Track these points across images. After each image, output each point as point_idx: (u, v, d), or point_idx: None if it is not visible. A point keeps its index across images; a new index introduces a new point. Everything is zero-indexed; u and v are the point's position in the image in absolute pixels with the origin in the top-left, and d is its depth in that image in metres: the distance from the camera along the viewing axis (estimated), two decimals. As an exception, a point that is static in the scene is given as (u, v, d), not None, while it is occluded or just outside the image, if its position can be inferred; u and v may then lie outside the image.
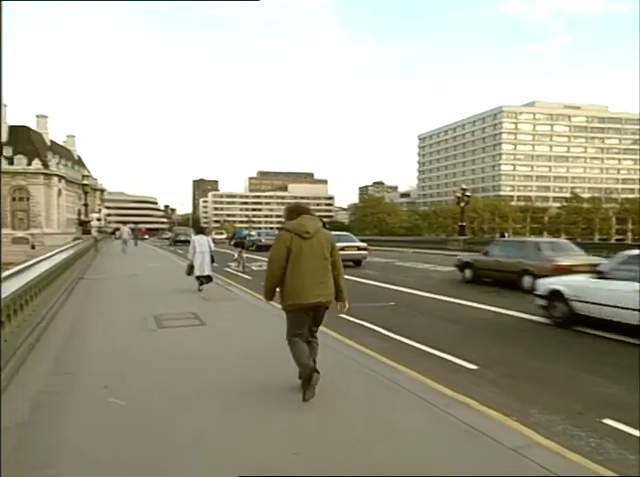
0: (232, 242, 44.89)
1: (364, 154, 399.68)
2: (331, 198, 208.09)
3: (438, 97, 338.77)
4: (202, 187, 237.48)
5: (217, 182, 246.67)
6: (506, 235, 61.51)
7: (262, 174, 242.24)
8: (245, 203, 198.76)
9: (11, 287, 5.90)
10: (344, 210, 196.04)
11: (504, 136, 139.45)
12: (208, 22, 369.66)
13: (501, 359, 6.99)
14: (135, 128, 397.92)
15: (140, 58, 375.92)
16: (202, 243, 12.68)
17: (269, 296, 4.99)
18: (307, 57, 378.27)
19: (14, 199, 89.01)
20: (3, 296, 5.36)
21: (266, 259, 5.14)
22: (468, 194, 41.42)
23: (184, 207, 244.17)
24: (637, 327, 7.62)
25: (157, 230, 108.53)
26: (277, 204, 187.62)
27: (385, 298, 12.60)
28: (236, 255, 21.84)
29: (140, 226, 78.52)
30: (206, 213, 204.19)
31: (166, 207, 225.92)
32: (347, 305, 5.12)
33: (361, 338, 7.72)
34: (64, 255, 12.93)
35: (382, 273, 19.05)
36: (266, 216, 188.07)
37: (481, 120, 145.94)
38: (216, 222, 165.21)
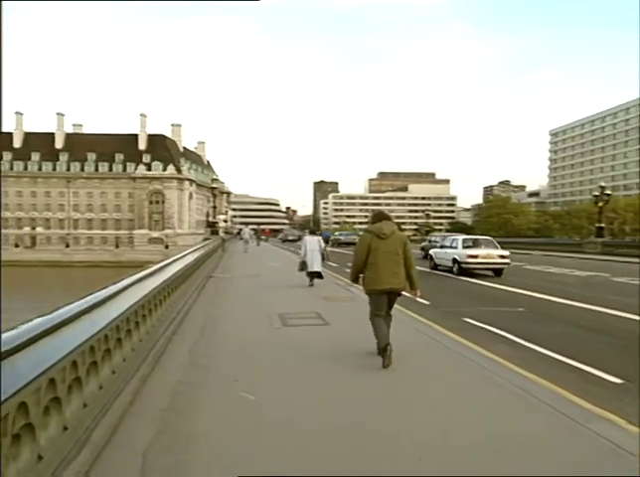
0: None
1: (488, 152, 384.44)
2: (453, 198, 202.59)
3: (570, 90, 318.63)
4: (322, 189, 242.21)
5: (337, 184, 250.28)
6: None
7: (383, 175, 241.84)
8: (365, 204, 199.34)
9: (151, 285, 6.36)
10: (467, 210, 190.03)
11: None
12: (332, 24, 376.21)
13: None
14: (260, 133, 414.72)
15: (264, 62, 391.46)
16: (312, 243, 14.20)
17: (353, 280, 6.54)
18: (427, 55, 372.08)
19: (151, 202, 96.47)
20: (145, 293, 5.79)
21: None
22: (608, 192, 38.37)
23: (305, 208, 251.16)
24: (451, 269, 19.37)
25: (279, 230, 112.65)
26: (398, 205, 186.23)
27: (514, 303, 12.02)
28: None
29: (263, 227, 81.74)
30: (326, 214, 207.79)
31: (288, 208, 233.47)
32: (418, 292, 6.39)
33: (489, 345, 7.40)
34: (195, 255, 13.74)
35: (510, 277, 18.19)
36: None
37: (624, 111, 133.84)
38: (335, 223, 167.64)
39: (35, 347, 2.76)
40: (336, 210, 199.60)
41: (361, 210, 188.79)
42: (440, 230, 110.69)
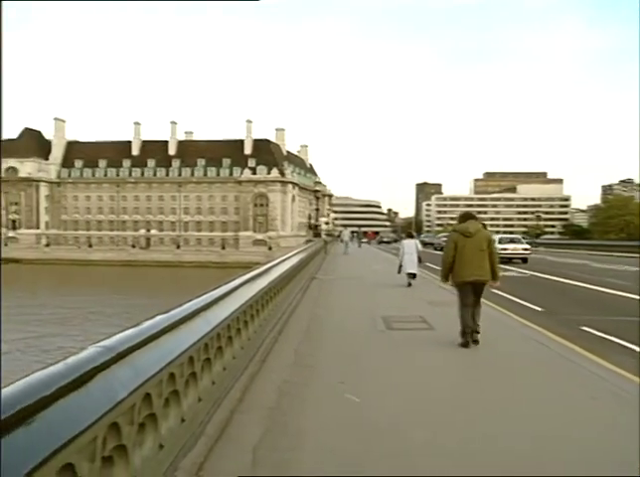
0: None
1: (607, 148, 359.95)
2: (567, 199, 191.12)
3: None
4: (425, 190, 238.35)
5: (440, 185, 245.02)
6: None
7: (489, 175, 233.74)
8: (470, 206, 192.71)
9: (259, 285, 6.56)
10: (582, 211, 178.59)
11: None
12: (436, 22, 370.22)
13: None
14: (362, 135, 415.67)
15: (366, 63, 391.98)
16: (410, 246, 15.05)
17: (444, 279, 7.35)
18: (537, 49, 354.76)
19: (255, 205, 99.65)
20: (253, 293, 5.99)
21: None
22: None
23: (407, 210, 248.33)
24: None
25: (378, 233, 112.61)
26: (505, 206, 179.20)
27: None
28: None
29: (364, 229, 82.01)
30: (429, 216, 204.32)
31: (389, 210, 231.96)
32: (497, 283, 7.27)
33: (613, 357, 6.87)
34: (299, 257, 14.01)
35: (635, 284, 16.85)
36: (492, 218, 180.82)
37: None
38: (438, 225, 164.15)
39: (157, 342, 2.92)
40: (439, 212, 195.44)
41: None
42: (552, 232, 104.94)
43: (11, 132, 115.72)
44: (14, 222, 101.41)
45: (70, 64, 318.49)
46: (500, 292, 12.19)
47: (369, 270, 20.80)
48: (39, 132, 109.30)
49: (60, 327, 32.35)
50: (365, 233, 71.39)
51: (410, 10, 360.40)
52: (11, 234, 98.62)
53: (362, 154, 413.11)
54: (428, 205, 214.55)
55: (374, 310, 10.01)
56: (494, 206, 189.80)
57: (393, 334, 7.96)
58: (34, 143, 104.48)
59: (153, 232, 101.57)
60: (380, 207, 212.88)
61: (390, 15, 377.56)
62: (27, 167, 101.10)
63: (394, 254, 35.91)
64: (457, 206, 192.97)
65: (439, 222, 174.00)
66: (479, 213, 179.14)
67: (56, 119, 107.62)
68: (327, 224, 73.21)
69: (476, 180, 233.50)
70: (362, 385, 5.23)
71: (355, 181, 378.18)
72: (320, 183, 50.66)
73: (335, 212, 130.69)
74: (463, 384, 5.41)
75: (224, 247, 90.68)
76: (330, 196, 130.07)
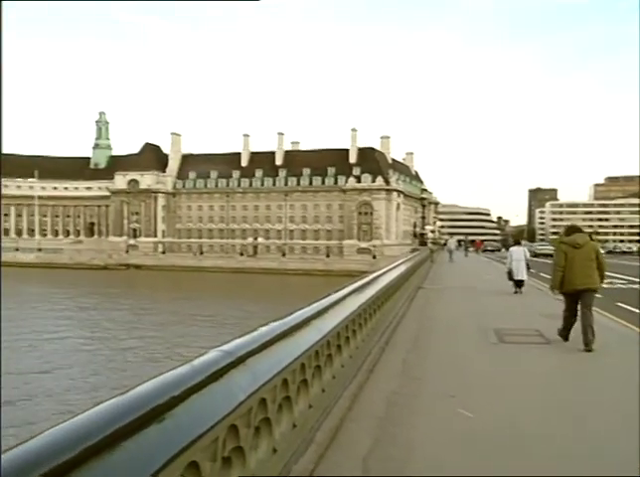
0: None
1: None
2: None
3: None
4: (538, 196, 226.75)
5: (555, 191, 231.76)
6: None
7: (611, 179, 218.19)
8: (589, 212, 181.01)
9: (367, 294, 6.55)
10: None
11: None
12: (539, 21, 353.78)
13: None
14: (469, 140, 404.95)
15: (469, 68, 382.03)
16: (518, 253, 15.12)
17: (556, 289, 7.77)
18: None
19: (360, 213, 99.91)
20: (362, 302, 5.99)
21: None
22: None
23: (518, 218, 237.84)
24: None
25: (490, 241, 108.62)
26: (630, 213, 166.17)
27: None
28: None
29: (472, 237, 79.61)
30: (542, 224, 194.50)
31: (499, 218, 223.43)
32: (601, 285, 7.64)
33: None
34: (406, 266, 13.85)
35: None
36: (615, 226, 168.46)
37: None
38: (553, 233, 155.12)
39: (271, 349, 3.00)
40: (554, 219, 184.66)
41: (584, 219, 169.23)
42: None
43: (134, 147, 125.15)
44: (135, 230, 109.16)
45: (187, 81, 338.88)
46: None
47: (477, 280, 20.15)
48: (158, 147, 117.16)
49: (181, 330, 34.31)
50: (472, 241, 69.19)
51: (516, 12, 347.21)
52: (132, 241, 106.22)
53: (469, 160, 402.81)
54: (542, 212, 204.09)
55: (484, 321, 9.67)
56: (617, 212, 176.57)
57: (506, 347, 7.63)
58: (153, 157, 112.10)
59: (260, 240, 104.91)
60: (488, 214, 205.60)
61: (494, 17, 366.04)
62: (147, 179, 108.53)
63: (504, 263, 34.58)
64: (575, 213, 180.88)
65: (554, 230, 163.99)
66: (600, 220, 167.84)
67: (172, 134, 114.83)
68: (433, 232, 71.79)
69: (596, 185, 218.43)
70: (474, 399, 5.05)
71: (462, 188, 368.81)
72: (426, 190, 49.92)
73: (441, 220, 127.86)
74: (583, 403, 5.06)
75: (328, 256, 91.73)
76: (436, 203, 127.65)
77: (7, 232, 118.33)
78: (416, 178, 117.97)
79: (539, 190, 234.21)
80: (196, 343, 29.14)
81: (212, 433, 2.01)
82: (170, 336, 31.98)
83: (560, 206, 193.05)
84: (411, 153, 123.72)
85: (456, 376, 5.96)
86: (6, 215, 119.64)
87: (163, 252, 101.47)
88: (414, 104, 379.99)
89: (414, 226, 64.01)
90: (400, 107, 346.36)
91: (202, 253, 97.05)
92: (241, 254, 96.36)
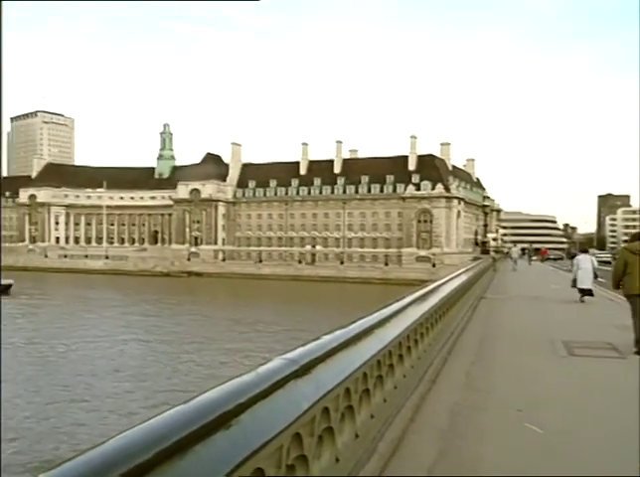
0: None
1: None
2: None
3: None
4: (609, 203, 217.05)
5: (628, 197, 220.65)
6: None
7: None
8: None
9: (429, 303, 6.45)
10: None
11: None
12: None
13: None
14: (532, 145, 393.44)
15: (531, 73, 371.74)
16: (585, 261, 15.01)
17: (615, 287, 8.47)
18: None
19: (419, 221, 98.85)
20: (423, 311, 5.90)
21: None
22: None
23: (587, 225, 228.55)
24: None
25: (556, 250, 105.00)
26: None
27: None
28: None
29: (536, 245, 77.20)
30: (614, 231, 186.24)
31: (565, 226, 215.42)
32: None
33: None
34: (467, 275, 13.57)
35: None
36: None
37: None
38: (625, 241, 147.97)
39: (335, 357, 2.99)
40: (627, 226, 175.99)
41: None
42: None
43: (196, 157, 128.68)
44: (196, 238, 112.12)
45: (247, 92, 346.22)
46: None
47: (543, 289, 19.47)
48: (219, 157, 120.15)
49: (242, 336, 34.91)
50: (537, 249, 67.00)
51: (580, 12, 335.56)
52: (193, 249, 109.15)
53: (534, 166, 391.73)
54: (613, 219, 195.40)
55: (552, 333, 9.31)
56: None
57: (576, 360, 7.31)
58: (214, 167, 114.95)
59: (318, 248, 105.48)
60: (554, 222, 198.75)
61: (558, 18, 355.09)
62: (208, 189, 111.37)
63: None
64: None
65: (626, 238, 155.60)
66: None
67: (233, 144, 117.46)
68: (495, 240, 70.14)
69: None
70: (543, 415, 4.85)
71: (526, 195, 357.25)
72: (488, 197, 48.76)
73: (504, 228, 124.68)
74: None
75: (387, 264, 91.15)
76: (498, 211, 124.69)
77: (77, 240, 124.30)
78: (478, 185, 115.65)
79: (609, 196, 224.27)
80: (258, 350, 29.61)
81: (276, 441, 2.02)
82: (232, 343, 32.58)
83: (634, 213, 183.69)
84: (473, 159, 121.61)
85: (523, 389, 5.76)
86: (77, 224, 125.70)
87: (223, 260, 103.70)
88: (475, 110, 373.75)
89: (476, 234, 62.71)
90: (460, 113, 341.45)
91: (261, 261, 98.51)
92: (300, 262, 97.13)
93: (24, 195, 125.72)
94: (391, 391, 4.24)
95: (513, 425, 4.57)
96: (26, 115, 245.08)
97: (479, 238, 46.99)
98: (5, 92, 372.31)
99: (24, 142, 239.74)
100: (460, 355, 7.51)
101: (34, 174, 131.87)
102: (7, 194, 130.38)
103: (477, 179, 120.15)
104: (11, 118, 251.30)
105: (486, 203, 45.07)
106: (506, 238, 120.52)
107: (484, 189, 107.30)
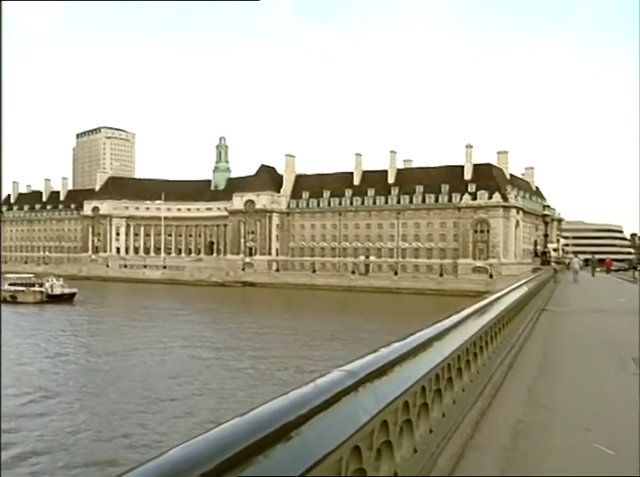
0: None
1: None
2: None
3: None
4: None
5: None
6: None
7: None
8: None
9: (489, 315, 6.28)
10: None
11: None
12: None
13: None
14: (594, 152, 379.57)
15: (589, 80, 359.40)
16: None
17: None
18: None
19: (475, 231, 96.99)
20: (483, 323, 5.74)
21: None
22: None
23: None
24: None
25: (622, 260, 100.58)
26: None
27: None
28: None
29: (600, 256, 74.26)
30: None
31: (633, 235, 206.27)
32: None
33: None
34: (527, 286, 13.17)
35: None
36: None
37: None
38: None
39: (393, 370, 2.94)
40: None
41: None
42: None
43: (250, 169, 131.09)
44: (251, 249, 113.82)
45: (300, 104, 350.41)
46: None
47: (608, 302, 18.67)
48: (273, 168, 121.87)
49: (299, 347, 35.12)
50: (601, 260, 64.33)
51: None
52: (248, 260, 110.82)
53: (597, 172, 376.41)
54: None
55: (620, 348, 8.87)
56: None
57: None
58: (269, 178, 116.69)
59: (372, 258, 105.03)
60: (621, 231, 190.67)
61: (618, 25, 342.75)
62: (262, 200, 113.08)
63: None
64: None
65: None
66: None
67: (287, 155, 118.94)
68: (555, 250, 67.90)
69: None
70: (614, 435, 4.60)
71: (590, 203, 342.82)
72: (548, 206, 47.26)
73: (565, 238, 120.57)
74: None
75: (442, 275, 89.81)
76: (560, 220, 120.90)
77: (137, 250, 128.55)
78: (537, 194, 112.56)
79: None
80: (316, 360, 29.72)
81: (336, 454, 2.00)
82: (289, 353, 32.81)
83: None
84: (532, 168, 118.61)
85: (591, 407, 5.49)
86: (136, 234, 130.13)
87: (277, 270, 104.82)
88: (534, 117, 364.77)
89: (535, 244, 60.83)
90: (518, 120, 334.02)
91: (314, 272, 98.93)
92: (353, 273, 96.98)
93: (88, 207, 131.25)
94: (449, 405, 4.14)
95: (581, 445, 4.36)
96: (90, 132, 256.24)
97: (539, 248, 45.49)
98: (70, 110, 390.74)
99: (88, 157, 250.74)
100: (522, 369, 7.26)
101: (97, 187, 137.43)
102: (72, 206, 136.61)
103: (536, 187, 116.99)
104: (76, 135, 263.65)
105: (546, 212, 43.61)
106: (567, 249, 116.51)
107: (544, 198, 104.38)
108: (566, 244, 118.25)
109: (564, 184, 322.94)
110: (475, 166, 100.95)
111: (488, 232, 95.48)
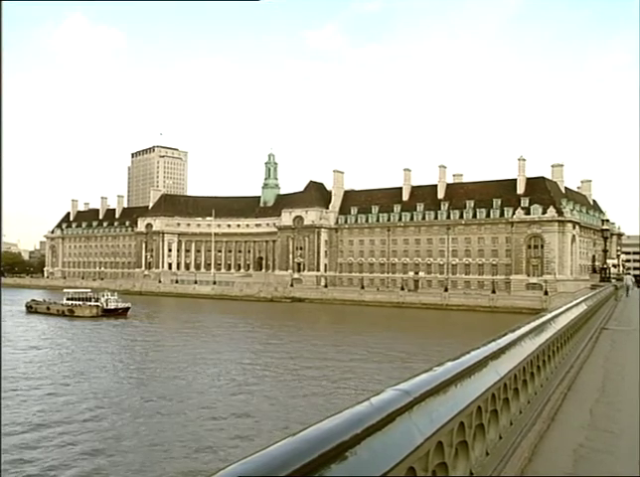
0: None
1: None
2: None
3: None
4: None
5: None
6: None
7: None
8: None
9: (546, 334, 6.08)
10: None
11: None
12: None
13: None
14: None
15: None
16: None
17: None
18: None
19: (529, 246, 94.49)
20: (540, 342, 5.56)
21: None
22: None
23: None
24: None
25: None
26: None
27: None
28: None
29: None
30: None
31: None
32: None
33: None
34: (586, 304, 12.71)
35: None
36: None
37: None
38: None
39: (448, 390, 2.87)
40: None
41: None
42: None
43: (299, 185, 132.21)
44: (299, 264, 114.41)
45: (349, 121, 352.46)
46: None
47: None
48: (321, 184, 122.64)
49: (350, 364, 34.94)
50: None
51: None
52: (296, 275, 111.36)
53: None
54: None
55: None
56: None
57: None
58: (317, 194, 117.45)
59: (421, 274, 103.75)
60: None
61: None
62: (311, 216, 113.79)
63: None
64: None
65: None
66: None
67: (335, 171, 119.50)
68: (615, 266, 65.28)
69: None
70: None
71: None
72: (607, 221, 45.63)
73: (626, 253, 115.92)
74: None
75: (494, 291, 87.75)
76: (620, 235, 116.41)
77: (187, 266, 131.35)
78: (595, 207, 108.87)
79: None
80: (367, 378, 29.48)
81: (391, 475, 1.95)
82: (340, 370, 32.66)
83: None
84: (589, 181, 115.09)
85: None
86: (187, 250, 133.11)
87: (325, 286, 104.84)
88: (590, 128, 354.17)
89: (593, 260, 58.74)
90: (574, 132, 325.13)
91: (363, 288, 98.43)
92: (402, 289, 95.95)
93: (141, 224, 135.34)
94: (506, 427, 4.01)
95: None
96: (145, 151, 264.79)
97: (597, 264, 43.86)
98: (125, 130, 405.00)
99: (142, 175, 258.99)
100: (582, 391, 6.97)
101: (150, 205, 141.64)
102: (127, 223, 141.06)
103: (594, 201, 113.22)
104: (131, 154, 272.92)
105: (605, 226, 42.04)
106: (629, 265, 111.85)
107: (602, 212, 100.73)
108: (628, 260, 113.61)
109: (625, 197, 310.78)
110: (528, 179, 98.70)
111: (542, 247, 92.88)
